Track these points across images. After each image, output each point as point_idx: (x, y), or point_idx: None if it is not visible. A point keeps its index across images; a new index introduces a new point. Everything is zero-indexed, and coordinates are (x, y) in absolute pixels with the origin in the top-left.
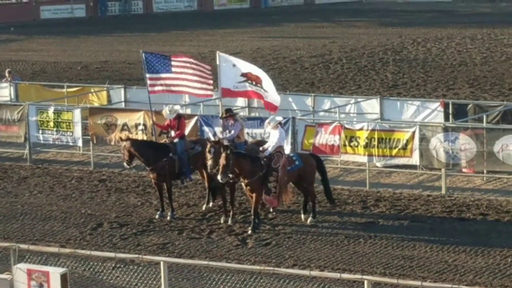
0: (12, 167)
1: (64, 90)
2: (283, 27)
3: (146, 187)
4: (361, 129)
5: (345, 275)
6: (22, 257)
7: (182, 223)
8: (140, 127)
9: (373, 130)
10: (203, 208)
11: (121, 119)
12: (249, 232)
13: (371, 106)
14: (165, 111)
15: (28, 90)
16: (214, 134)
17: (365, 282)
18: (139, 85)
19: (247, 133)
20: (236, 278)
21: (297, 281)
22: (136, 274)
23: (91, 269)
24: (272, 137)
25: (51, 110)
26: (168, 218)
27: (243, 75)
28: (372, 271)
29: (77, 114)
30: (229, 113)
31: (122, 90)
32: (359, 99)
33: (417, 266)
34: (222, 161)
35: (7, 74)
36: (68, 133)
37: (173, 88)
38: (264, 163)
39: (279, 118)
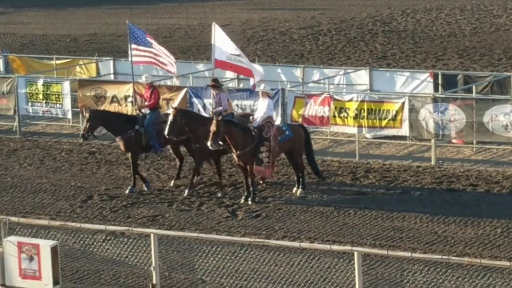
0: (1, 140)
1: (53, 62)
2: None
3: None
4: (350, 100)
5: (335, 247)
6: (12, 230)
7: (172, 196)
8: (130, 99)
9: (362, 101)
10: (171, 183)
11: (110, 91)
12: (249, 203)
13: (361, 77)
14: (142, 78)
15: (18, 63)
16: (203, 106)
17: (355, 253)
18: (128, 57)
19: (236, 105)
20: (226, 250)
21: (287, 252)
22: (126, 246)
23: (82, 242)
24: (260, 107)
25: (40, 83)
26: (127, 191)
27: (237, 49)
28: (362, 242)
29: (66, 86)
30: (215, 83)
31: (111, 62)
32: (348, 70)
33: (407, 237)
34: (212, 128)
35: None
36: (58, 105)
37: (154, 61)
38: (255, 134)
39: (270, 90)
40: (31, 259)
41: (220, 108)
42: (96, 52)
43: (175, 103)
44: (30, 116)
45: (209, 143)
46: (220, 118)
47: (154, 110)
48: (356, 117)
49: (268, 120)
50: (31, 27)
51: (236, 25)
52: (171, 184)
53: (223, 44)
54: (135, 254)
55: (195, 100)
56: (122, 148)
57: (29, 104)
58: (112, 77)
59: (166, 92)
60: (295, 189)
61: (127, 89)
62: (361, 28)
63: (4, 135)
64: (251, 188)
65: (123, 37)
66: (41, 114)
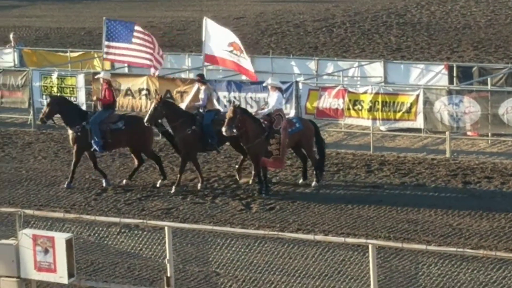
0: (16, 133)
1: (68, 55)
2: None
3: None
4: (365, 92)
5: (350, 240)
6: (27, 223)
7: (186, 188)
8: (144, 92)
9: (377, 93)
10: (158, 184)
11: (124, 84)
12: (263, 195)
13: (375, 69)
14: (101, 74)
15: (32, 56)
16: (218, 99)
17: (370, 246)
18: None
19: (251, 97)
20: (241, 242)
21: (302, 245)
22: (140, 239)
23: (96, 234)
24: (270, 101)
25: (54, 76)
26: (65, 185)
27: (230, 44)
28: (376, 235)
29: (80, 79)
30: (200, 78)
31: None
32: (362, 63)
33: (422, 230)
34: (229, 114)
35: (11, 38)
36: (72, 98)
37: (129, 59)
38: (265, 126)
39: (280, 84)
40: (46, 251)
41: (200, 103)
42: None
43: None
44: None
45: (223, 129)
46: (237, 105)
47: (107, 108)
48: (370, 110)
49: (278, 112)
50: (45, 20)
51: (250, 18)
52: (158, 185)
53: (215, 39)
54: (150, 247)
55: None
56: (71, 142)
57: (44, 97)
58: (126, 70)
59: (181, 85)
60: (303, 183)
61: (141, 82)
62: (375, 20)
63: (19, 128)
64: (264, 181)
65: None
66: None
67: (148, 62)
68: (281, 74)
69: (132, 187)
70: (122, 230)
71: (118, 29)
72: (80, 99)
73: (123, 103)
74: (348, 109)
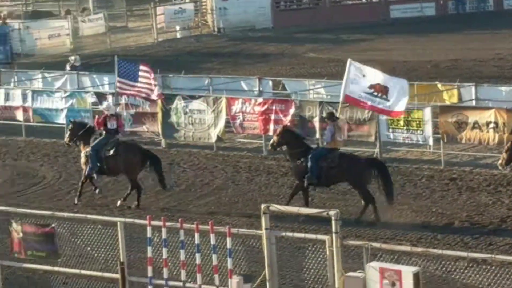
0: None
1: (414, 87)
2: None
3: (497, 186)
4: None
5: None
6: (374, 256)
7: None
8: (491, 125)
9: None
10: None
11: (471, 117)
12: None
13: None
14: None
15: None
16: None
17: None
18: (490, 83)
19: None
20: None
21: None
22: (488, 274)
23: (443, 268)
24: None
25: None
26: None
27: (371, 87)
28: None
29: (427, 112)
30: (327, 117)
31: (473, 88)
32: None
33: None
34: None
35: None
36: (418, 131)
37: (136, 93)
38: None
39: None
40: (393, 285)
41: (324, 137)
42: (457, 78)
43: None
44: (391, 143)
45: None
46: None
47: (107, 135)
48: None
49: None
50: (392, 54)
51: None
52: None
53: (357, 80)
54: (497, 282)
55: None
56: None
57: (390, 130)
58: (473, 103)
59: None
60: None
61: (488, 115)
62: None
63: None
64: None
65: (485, 62)
66: (401, 141)
67: (143, 95)
68: None
69: (479, 221)
70: (470, 265)
71: (127, 69)
72: (427, 132)
73: (470, 136)
74: None
